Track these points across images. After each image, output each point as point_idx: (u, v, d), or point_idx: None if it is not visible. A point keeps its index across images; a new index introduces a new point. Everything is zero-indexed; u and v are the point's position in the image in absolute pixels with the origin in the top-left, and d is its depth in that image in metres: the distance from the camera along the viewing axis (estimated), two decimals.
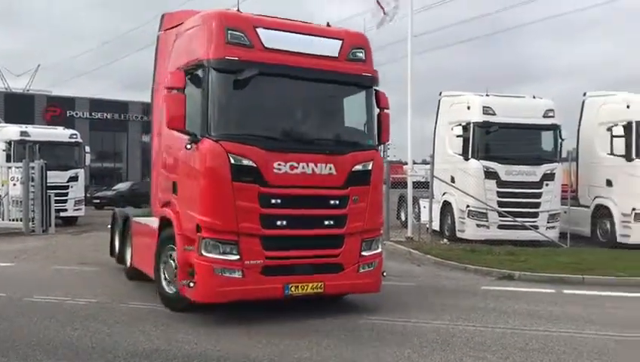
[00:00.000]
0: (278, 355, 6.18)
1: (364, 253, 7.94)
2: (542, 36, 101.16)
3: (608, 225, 16.28)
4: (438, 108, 18.57)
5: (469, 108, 16.71)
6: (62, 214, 21.74)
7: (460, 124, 16.61)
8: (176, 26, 8.99)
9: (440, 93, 18.62)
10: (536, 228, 15.88)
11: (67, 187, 22.16)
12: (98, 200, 35.37)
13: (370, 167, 7.94)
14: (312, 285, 7.52)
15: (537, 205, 16.04)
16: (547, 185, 16.08)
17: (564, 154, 16.79)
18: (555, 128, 16.43)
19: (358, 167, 7.82)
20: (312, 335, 6.86)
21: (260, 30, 7.45)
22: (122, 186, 38.54)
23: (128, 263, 10.47)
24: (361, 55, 8.04)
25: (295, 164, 7.42)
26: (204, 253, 7.16)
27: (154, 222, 8.85)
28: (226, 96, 7.35)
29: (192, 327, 7.19)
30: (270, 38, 7.49)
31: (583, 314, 8.38)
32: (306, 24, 8.16)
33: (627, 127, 15.50)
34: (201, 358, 6.06)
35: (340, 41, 7.93)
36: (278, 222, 7.35)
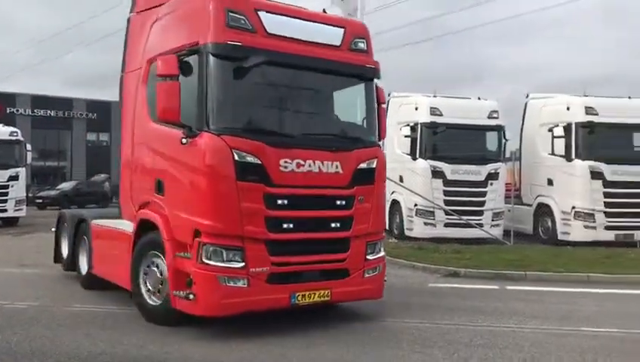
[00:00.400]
0: (225, 357, 6.14)
1: (368, 257, 7.49)
2: (487, 39, 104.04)
3: (549, 223, 16.88)
4: (387, 108, 18.75)
5: (416, 108, 17.02)
6: (1, 215, 21.05)
7: (408, 125, 16.88)
8: (153, 8, 8.13)
9: (389, 94, 18.84)
10: (481, 226, 16.30)
11: (7, 186, 21.44)
12: (41, 200, 34.37)
13: (374, 165, 7.51)
14: (319, 293, 7.02)
15: (482, 203, 16.48)
16: (492, 184, 16.55)
17: (507, 154, 17.32)
18: (499, 129, 16.92)
19: (363, 165, 7.37)
20: (255, 337, 6.82)
21: (261, 14, 6.82)
22: (66, 186, 37.56)
23: (84, 271, 9.57)
24: (362, 45, 7.60)
25: (302, 162, 6.87)
26: (206, 261, 6.46)
27: (126, 226, 8.03)
28: (227, 85, 6.68)
29: (138, 330, 7.04)
30: (273, 23, 6.88)
31: (525, 310, 8.65)
32: (306, 10, 7.56)
33: (567, 128, 16.08)
34: (147, 361, 5.96)
35: (342, 30, 7.47)
36: (285, 225, 6.78)
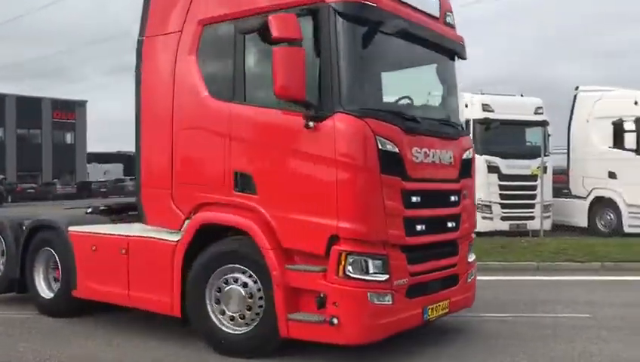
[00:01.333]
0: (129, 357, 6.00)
1: (469, 260, 6.72)
2: None
3: None
4: None
5: None
6: None
7: None
8: None
9: None
10: None
11: None
12: None
13: (471, 156, 6.74)
14: (442, 304, 6.12)
15: None
16: None
17: None
18: None
19: (465, 156, 6.53)
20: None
21: None
22: None
23: (46, 293, 7.69)
24: (451, 20, 6.72)
25: (428, 151, 5.90)
26: (351, 275, 5.25)
27: (159, 233, 6.43)
28: (361, 55, 5.47)
29: (35, 335, 6.73)
30: None
31: None
32: None
33: (466, 125, 16.85)
34: None
35: (437, 0, 6.55)
36: (418, 227, 5.78)
